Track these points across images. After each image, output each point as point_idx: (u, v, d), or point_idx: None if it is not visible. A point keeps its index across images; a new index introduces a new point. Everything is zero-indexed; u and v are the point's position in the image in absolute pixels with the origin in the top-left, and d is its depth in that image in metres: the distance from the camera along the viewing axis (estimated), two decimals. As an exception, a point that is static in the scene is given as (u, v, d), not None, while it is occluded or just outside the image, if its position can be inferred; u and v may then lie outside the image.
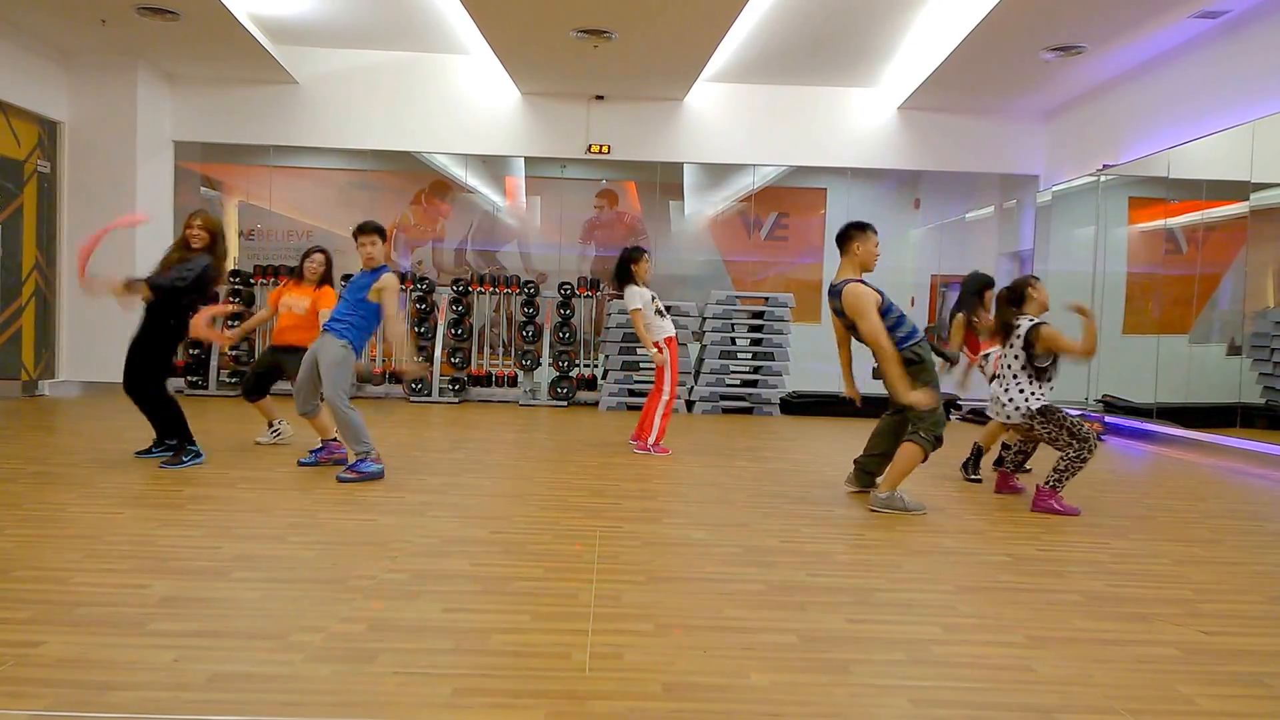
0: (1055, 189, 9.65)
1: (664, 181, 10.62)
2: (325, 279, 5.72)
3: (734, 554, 3.42)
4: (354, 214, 10.51)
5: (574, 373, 9.53)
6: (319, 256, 5.72)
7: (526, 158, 10.34)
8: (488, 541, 3.50)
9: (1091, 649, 2.50)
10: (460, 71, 9.76)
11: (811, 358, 10.13)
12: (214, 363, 9.49)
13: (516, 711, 1.98)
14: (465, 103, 9.81)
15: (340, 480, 4.58)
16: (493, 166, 10.60)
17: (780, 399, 9.59)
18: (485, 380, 9.66)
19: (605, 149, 9.91)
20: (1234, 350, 6.90)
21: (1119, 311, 8.65)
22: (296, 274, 5.85)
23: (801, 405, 9.64)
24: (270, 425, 5.80)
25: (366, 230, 4.81)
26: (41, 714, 1.88)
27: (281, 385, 5.57)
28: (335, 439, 5.11)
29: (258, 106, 9.71)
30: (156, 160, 9.50)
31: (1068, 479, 4.44)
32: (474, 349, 9.72)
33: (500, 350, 9.98)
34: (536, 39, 8.00)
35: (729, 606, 2.77)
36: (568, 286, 9.57)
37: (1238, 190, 6.90)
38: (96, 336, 9.13)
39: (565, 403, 9.48)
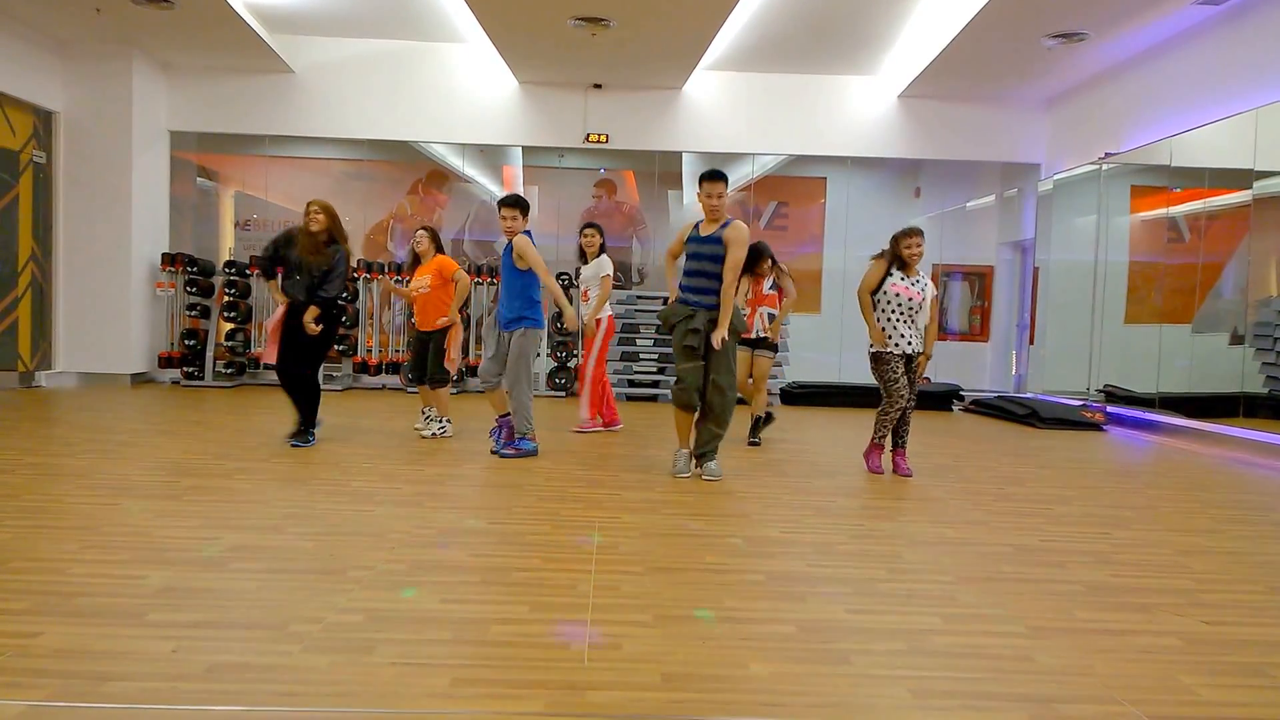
0: (1057, 177, 9.61)
1: (662, 171, 10.57)
2: (438, 250, 6.01)
3: (734, 545, 3.41)
4: (350, 204, 10.47)
5: (572, 363, 9.51)
6: (421, 233, 6.00)
7: (524, 147, 10.28)
8: (485, 532, 3.49)
9: (1092, 639, 2.50)
10: (457, 60, 9.70)
11: (812, 348, 10.12)
12: (209, 353, 9.48)
13: (515, 701, 1.97)
14: (462, 92, 9.76)
15: (501, 455, 5.16)
16: (490, 156, 10.54)
17: (780, 389, 9.57)
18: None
19: (603, 138, 9.86)
20: (1237, 339, 6.88)
21: (1121, 301, 8.62)
22: (413, 258, 6.14)
23: (802, 395, 9.63)
24: (425, 413, 6.07)
25: (508, 204, 5.21)
26: (40, 704, 1.87)
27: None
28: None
29: (254, 96, 9.66)
30: (152, 150, 9.45)
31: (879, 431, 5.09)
32: (471, 340, 9.70)
33: None
34: (534, 27, 7.94)
35: (728, 597, 2.76)
36: (565, 276, 9.54)
37: (1240, 178, 6.86)
38: (93, 328, 9.12)
39: (563, 393, 9.47)
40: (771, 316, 6.20)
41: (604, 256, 6.42)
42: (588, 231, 6.46)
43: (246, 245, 10.31)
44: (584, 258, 6.48)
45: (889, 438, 5.16)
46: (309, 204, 5.42)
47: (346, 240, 5.51)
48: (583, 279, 6.44)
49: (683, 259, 4.86)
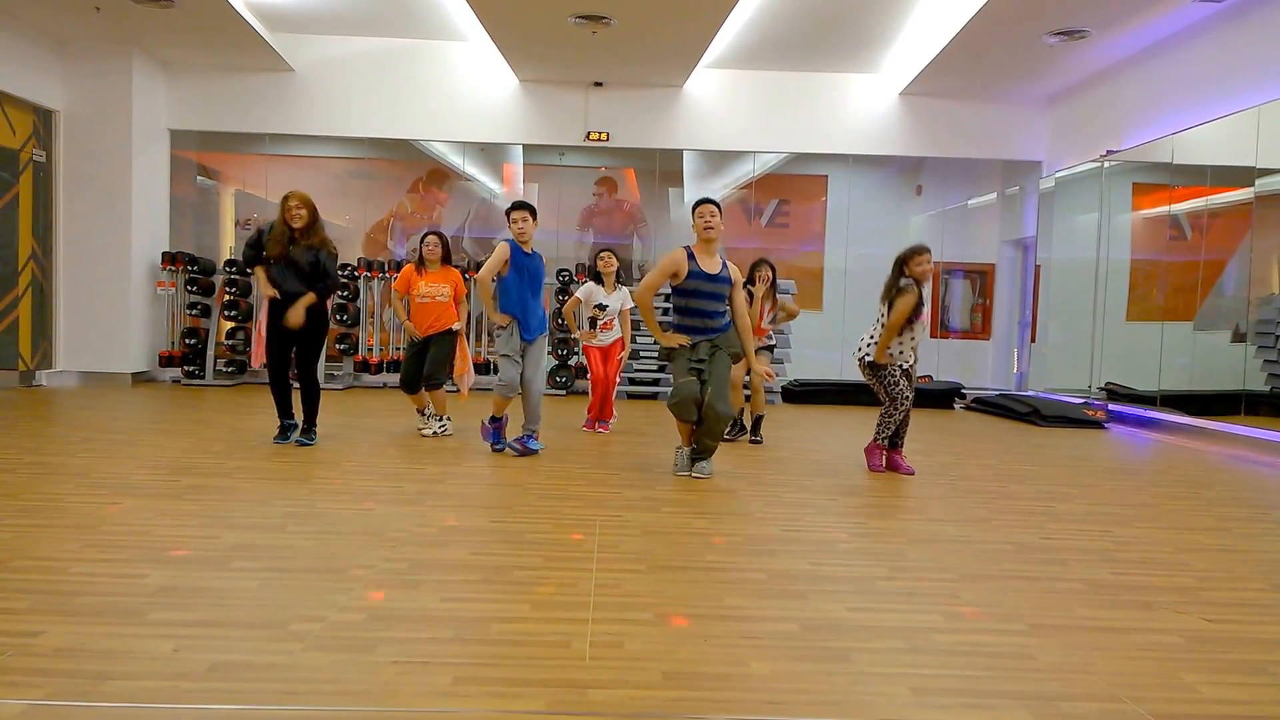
0: (1058, 175, 9.60)
1: (663, 169, 10.57)
2: (445, 260, 5.97)
3: (735, 543, 3.41)
4: (351, 202, 10.48)
5: (572, 361, 9.51)
6: (434, 239, 5.93)
7: (525, 145, 10.28)
8: (487, 530, 3.49)
9: (1094, 637, 2.49)
10: (458, 58, 9.69)
11: (813, 345, 10.11)
12: (210, 352, 9.48)
13: (516, 700, 1.97)
14: (463, 90, 9.75)
15: (509, 451, 5.27)
16: (491, 154, 10.54)
17: (782, 387, 9.57)
18: (484, 369, 9.64)
19: (604, 136, 9.86)
20: (1238, 337, 6.87)
21: (1122, 298, 8.62)
22: (418, 262, 5.98)
23: (804, 393, 9.63)
24: (424, 413, 6.07)
25: (521, 206, 5.19)
26: (40, 703, 1.87)
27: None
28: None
29: (254, 94, 9.65)
30: (152, 149, 9.44)
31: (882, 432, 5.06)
32: (471, 338, 9.70)
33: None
34: (535, 25, 7.93)
35: (730, 595, 2.76)
36: (566, 273, 9.54)
37: (1242, 176, 6.85)
38: (94, 326, 9.13)
39: (564, 391, 9.47)
40: (771, 348, 6.45)
41: (625, 289, 6.55)
42: (605, 255, 6.49)
43: (247, 244, 10.31)
44: (598, 278, 6.48)
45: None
46: (287, 198, 5.08)
47: (325, 236, 5.23)
48: (608, 312, 6.45)
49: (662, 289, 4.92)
